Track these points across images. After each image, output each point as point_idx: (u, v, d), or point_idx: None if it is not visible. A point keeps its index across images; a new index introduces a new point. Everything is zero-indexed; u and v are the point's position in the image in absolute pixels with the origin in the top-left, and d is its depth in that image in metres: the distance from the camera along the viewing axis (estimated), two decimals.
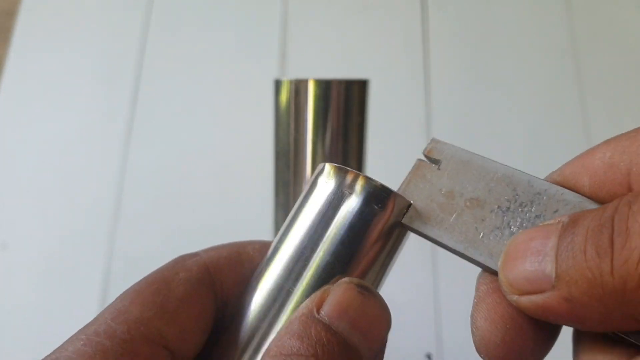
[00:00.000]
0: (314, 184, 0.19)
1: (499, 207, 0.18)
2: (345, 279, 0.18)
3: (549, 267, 0.15)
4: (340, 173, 0.19)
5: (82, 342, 0.17)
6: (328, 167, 0.19)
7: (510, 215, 0.18)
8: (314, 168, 0.34)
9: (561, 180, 0.18)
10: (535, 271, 0.15)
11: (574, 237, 0.15)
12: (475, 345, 0.17)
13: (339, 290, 0.17)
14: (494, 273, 0.17)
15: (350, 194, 0.18)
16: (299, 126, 0.33)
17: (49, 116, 0.65)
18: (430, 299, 0.55)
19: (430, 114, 0.65)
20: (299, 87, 0.32)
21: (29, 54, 0.68)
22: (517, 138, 0.64)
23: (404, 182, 0.20)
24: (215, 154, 0.63)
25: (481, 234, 0.18)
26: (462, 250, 0.18)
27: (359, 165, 0.34)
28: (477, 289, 0.18)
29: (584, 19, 0.70)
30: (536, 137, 0.64)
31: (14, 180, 0.63)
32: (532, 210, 0.18)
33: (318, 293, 0.18)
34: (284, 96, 0.33)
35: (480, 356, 0.17)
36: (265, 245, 0.21)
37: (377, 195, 0.18)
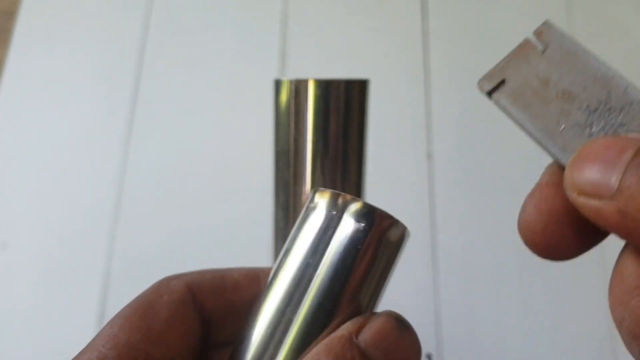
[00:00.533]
0: (307, 209, 0.20)
1: (587, 105, 0.18)
2: (387, 311, 0.19)
3: (614, 178, 0.16)
4: (328, 197, 0.20)
5: None
6: (319, 192, 0.20)
7: (596, 117, 0.18)
8: (314, 168, 0.34)
9: None
10: (601, 178, 0.16)
11: None
12: (518, 227, 0.18)
13: (379, 320, 0.19)
14: (563, 167, 0.18)
15: (338, 217, 0.19)
16: (299, 126, 0.33)
17: (49, 116, 0.65)
18: (430, 299, 0.55)
19: (430, 114, 0.65)
20: (299, 87, 0.32)
21: (29, 54, 0.68)
22: (517, 138, 0.64)
23: (505, 57, 0.20)
24: (215, 154, 0.63)
25: (562, 126, 0.18)
26: (538, 138, 0.18)
27: (359, 165, 0.34)
28: (541, 176, 0.19)
29: (584, 19, 0.70)
30: None
31: (14, 180, 0.63)
32: (619, 117, 0.18)
33: (360, 318, 0.19)
34: (284, 96, 0.33)
35: (521, 237, 0.18)
36: (252, 271, 0.22)
37: (362, 215, 0.19)
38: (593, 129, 0.18)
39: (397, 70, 0.67)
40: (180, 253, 0.59)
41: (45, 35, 0.70)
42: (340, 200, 0.19)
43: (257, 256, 0.58)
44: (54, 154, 0.64)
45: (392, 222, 0.20)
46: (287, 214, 0.34)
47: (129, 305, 0.21)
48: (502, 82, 0.19)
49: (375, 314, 0.19)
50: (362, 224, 0.19)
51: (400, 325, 0.19)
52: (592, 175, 0.16)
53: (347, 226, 0.19)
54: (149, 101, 0.66)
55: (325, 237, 0.19)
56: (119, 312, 0.21)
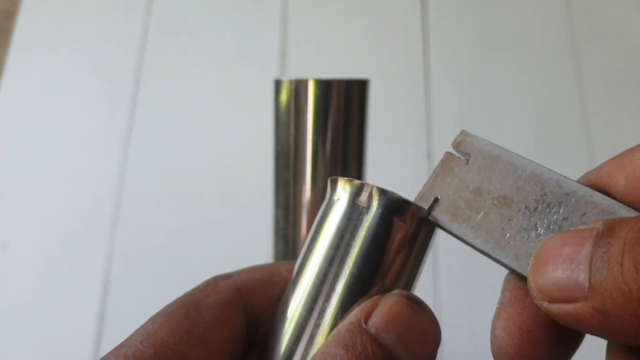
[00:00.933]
0: (330, 201, 0.19)
1: (526, 207, 0.18)
2: (395, 292, 0.18)
3: (582, 276, 0.14)
4: (355, 187, 0.19)
5: None
6: (341, 182, 0.19)
7: (538, 216, 0.17)
8: (314, 168, 0.34)
9: (595, 179, 0.18)
10: (568, 279, 0.15)
11: (609, 247, 0.14)
12: (492, 354, 0.17)
13: (388, 302, 0.17)
14: (520, 276, 0.17)
15: (368, 208, 0.18)
16: (299, 126, 0.33)
17: (49, 116, 0.65)
18: (431, 299, 0.55)
19: (430, 114, 0.65)
20: (299, 87, 0.32)
21: (29, 54, 0.68)
22: (517, 138, 0.64)
23: (431, 175, 0.19)
24: (215, 153, 0.63)
25: (507, 234, 0.18)
26: (487, 251, 0.18)
27: (359, 165, 0.34)
28: (502, 293, 0.18)
29: (584, 19, 0.70)
30: (536, 136, 0.64)
31: (14, 180, 0.63)
32: (560, 211, 0.17)
33: (368, 303, 0.18)
34: (284, 96, 0.33)
35: None
36: None
37: (396, 208, 0.18)
38: (539, 230, 0.17)
39: (397, 70, 0.67)
40: (180, 253, 0.59)
41: (45, 35, 0.70)
42: (365, 190, 0.18)
43: (257, 256, 0.58)
44: (54, 154, 0.64)
45: (421, 211, 0.19)
46: (287, 214, 0.34)
47: (173, 303, 0.20)
48: (436, 201, 0.19)
49: (383, 295, 0.18)
50: (397, 216, 0.18)
51: (412, 305, 0.17)
52: (557, 278, 0.15)
53: (379, 217, 0.18)
54: (149, 101, 0.66)
55: (353, 228, 0.18)
56: (163, 309, 0.20)
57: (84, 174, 0.63)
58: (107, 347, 0.53)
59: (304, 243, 0.20)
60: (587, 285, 0.14)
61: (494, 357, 0.17)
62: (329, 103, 0.33)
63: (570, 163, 0.62)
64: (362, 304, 0.18)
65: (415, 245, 0.19)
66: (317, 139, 0.33)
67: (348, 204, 0.19)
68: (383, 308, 0.17)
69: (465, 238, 0.18)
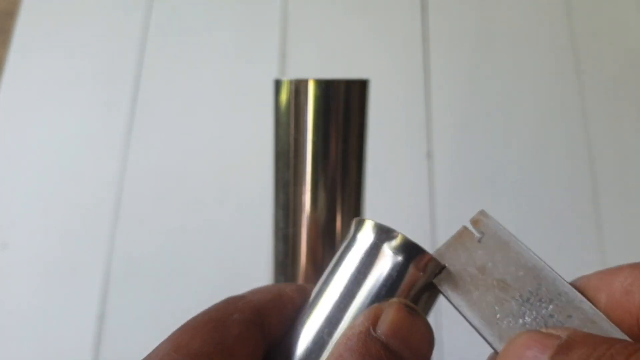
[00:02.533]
0: (353, 239, 0.21)
1: (520, 295, 0.19)
2: (395, 299, 0.19)
3: None
4: (380, 231, 0.20)
5: None
6: (368, 225, 0.21)
7: (528, 307, 0.19)
8: (314, 168, 0.34)
9: (583, 288, 0.19)
10: None
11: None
12: None
13: (392, 310, 0.19)
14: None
15: (389, 252, 0.20)
16: (299, 126, 0.33)
17: (49, 116, 0.65)
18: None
19: (430, 114, 0.65)
20: (299, 87, 0.32)
21: (29, 54, 0.68)
22: (516, 138, 0.64)
23: (445, 244, 0.21)
24: (215, 153, 0.63)
25: (497, 315, 0.19)
26: (476, 326, 0.19)
27: (358, 165, 0.34)
28: None
29: (584, 19, 0.70)
30: (536, 137, 0.64)
31: (14, 180, 0.63)
32: (549, 308, 0.19)
33: (372, 310, 0.19)
34: (284, 96, 0.33)
35: None
36: (300, 287, 0.23)
37: (414, 256, 0.20)
38: (526, 319, 0.19)
39: (397, 70, 0.67)
40: (180, 253, 0.59)
41: (45, 35, 0.70)
42: (390, 236, 0.20)
43: (257, 256, 0.58)
44: (54, 154, 0.64)
45: (439, 265, 0.20)
46: (287, 214, 0.34)
47: (197, 318, 0.20)
48: (443, 268, 0.20)
49: (383, 304, 0.19)
50: (413, 264, 0.20)
51: (412, 311, 0.19)
52: None
53: (396, 262, 0.20)
54: (149, 101, 0.66)
55: (369, 268, 0.20)
56: (187, 324, 0.20)
57: (84, 173, 0.63)
58: (107, 347, 0.53)
59: (324, 272, 0.22)
60: None
61: None
62: (329, 103, 0.33)
63: (570, 163, 0.62)
64: (366, 312, 0.19)
65: (424, 296, 0.20)
66: (317, 139, 0.33)
67: (370, 246, 0.20)
68: (388, 315, 0.19)
69: (459, 309, 0.20)
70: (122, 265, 0.58)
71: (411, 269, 0.20)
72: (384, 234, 0.20)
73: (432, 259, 0.20)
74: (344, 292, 0.20)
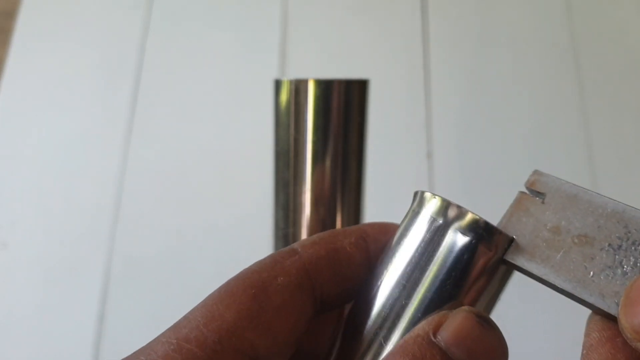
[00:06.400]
0: (416, 214, 0.19)
1: (609, 244, 0.17)
2: (465, 308, 0.17)
3: None
4: (445, 206, 0.18)
5: (172, 347, 0.17)
6: (434, 200, 0.19)
7: (623, 254, 0.17)
8: (314, 168, 0.34)
9: None
10: None
11: None
12: None
13: (458, 318, 0.17)
14: (606, 315, 0.17)
15: (454, 229, 0.18)
16: (299, 126, 0.33)
17: (49, 116, 0.65)
18: None
19: (430, 114, 0.65)
20: (299, 87, 0.32)
21: (29, 54, 0.68)
22: (517, 138, 0.64)
23: (505, 215, 0.19)
24: (215, 153, 0.63)
25: (591, 272, 0.17)
26: (570, 290, 0.17)
27: (358, 165, 0.34)
28: (587, 335, 0.17)
29: (584, 19, 0.70)
30: (536, 137, 0.64)
31: (14, 180, 0.63)
32: None
33: (435, 317, 0.17)
34: (284, 96, 0.33)
35: None
36: (360, 238, 0.20)
37: (481, 233, 0.18)
38: (625, 268, 0.17)
39: (397, 70, 0.67)
40: (180, 253, 0.59)
41: (45, 35, 0.70)
42: (455, 212, 0.18)
43: (257, 256, 0.58)
44: (54, 153, 0.64)
45: (508, 239, 0.19)
46: (287, 214, 0.34)
47: (237, 280, 0.18)
48: (511, 242, 0.19)
49: (451, 311, 0.17)
50: (482, 241, 0.18)
51: (482, 322, 0.17)
52: None
53: (464, 240, 0.18)
54: (149, 101, 0.66)
55: (436, 247, 0.18)
56: (226, 286, 0.18)
57: (84, 173, 0.63)
58: (107, 347, 0.53)
59: (387, 249, 0.20)
60: None
61: None
62: (329, 103, 0.33)
63: (570, 163, 0.62)
64: (430, 318, 0.17)
65: (496, 275, 0.19)
66: (317, 139, 0.33)
67: (436, 222, 0.19)
68: (453, 323, 0.17)
69: (545, 277, 0.18)
70: (122, 265, 0.58)
71: (481, 249, 0.18)
72: (449, 210, 0.18)
73: (502, 234, 0.18)
74: (407, 275, 0.18)
